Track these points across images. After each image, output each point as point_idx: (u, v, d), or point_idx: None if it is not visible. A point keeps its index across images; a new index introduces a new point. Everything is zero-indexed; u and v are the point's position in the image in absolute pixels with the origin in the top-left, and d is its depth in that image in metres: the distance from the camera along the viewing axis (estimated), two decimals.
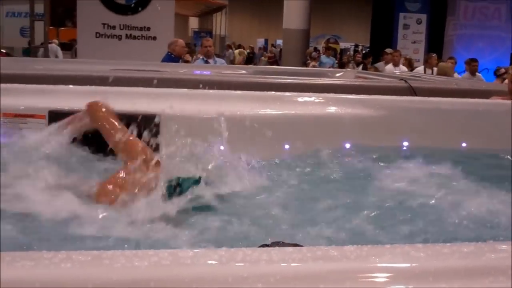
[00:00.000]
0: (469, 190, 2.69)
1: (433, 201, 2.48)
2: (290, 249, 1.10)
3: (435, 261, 1.10)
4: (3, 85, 3.34)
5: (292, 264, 1.05)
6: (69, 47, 17.56)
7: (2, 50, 16.76)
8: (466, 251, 1.13)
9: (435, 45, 16.78)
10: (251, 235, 2.04)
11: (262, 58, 25.36)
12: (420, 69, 12.37)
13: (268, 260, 1.04)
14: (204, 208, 2.30)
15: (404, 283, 1.04)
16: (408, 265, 1.08)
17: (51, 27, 15.49)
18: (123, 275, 0.97)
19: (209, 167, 2.54)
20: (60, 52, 16.49)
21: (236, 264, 1.03)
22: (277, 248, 1.19)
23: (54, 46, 15.93)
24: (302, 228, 2.15)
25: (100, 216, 2.11)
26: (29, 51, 11.83)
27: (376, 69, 11.88)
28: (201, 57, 8.87)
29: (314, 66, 15.47)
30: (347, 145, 3.46)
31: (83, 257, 1.01)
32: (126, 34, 9.89)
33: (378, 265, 1.07)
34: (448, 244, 1.17)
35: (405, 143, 3.59)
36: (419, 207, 2.42)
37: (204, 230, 2.04)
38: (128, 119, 3.10)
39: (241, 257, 1.05)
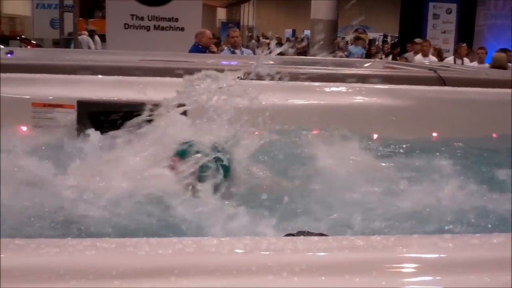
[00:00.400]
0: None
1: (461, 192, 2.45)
2: (316, 238, 1.09)
3: (464, 252, 1.07)
4: (33, 76, 3.37)
5: (318, 254, 1.03)
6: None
7: (32, 42, 16.95)
8: (495, 242, 1.11)
9: (465, 35, 16.52)
10: None
11: (289, 49, 25.25)
12: (450, 59, 12.21)
13: (293, 249, 1.03)
14: None
15: (431, 274, 1.02)
16: (436, 255, 1.06)
17: (80, 19, 15.62)
18: (147, 263, 0.97)
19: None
20: (92, 43, 16.60)
21: (261, 252, 1.02)
22: (302, 237, 1.18)
23: (85, 38, 16.04)
24: None
25: None
26: (66, 42, 11.90)
27: (406, 60, 11.75)
28: (226, 48, 8.87)
29: (342, 57, 15.36)
30: (375, 135, 3.44)
31: (108, 245, 1.01)
32: (155, 25, 9.92)
33: (406, 255, 1.05)
34: (477, 234, 1.15)
35: (434, 134, 3.55)
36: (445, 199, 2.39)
37: None
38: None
39: (265, 246, 1.04)
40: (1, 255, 0.94)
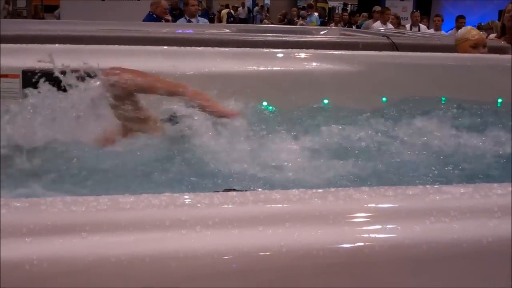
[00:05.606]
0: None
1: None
2: (234, 193, 1.10)
3: (374, 204, 1.10)
4: None
5: (232, 207, 1.04)
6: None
7: None
8: (411, 193, 1.13)
9: (423, 2, 16.62)
10: None
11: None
12: (407, 27, 12.32)
13: (209, 203, 1.04)
14: None
15: (344, 224, 1.04)
16: (348, 207, 1.08)
17: None
18: (58, 220, 0.97)
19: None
20: None
21: (175, 208, 1.03)
22: (220, 192, 1.19)
23: None
24: None
25: None
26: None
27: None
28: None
29: (302, 25, 15.33)
30: (325, 101, 3.46)
31: (21, 204, 1.01)
32: None
33: (320, 208, 1.06)
34: (390, 187, 1.17)
35: (384, 98, 3.59)
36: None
37: None
38: None
39: (181, 201, 1.05)
40: None
